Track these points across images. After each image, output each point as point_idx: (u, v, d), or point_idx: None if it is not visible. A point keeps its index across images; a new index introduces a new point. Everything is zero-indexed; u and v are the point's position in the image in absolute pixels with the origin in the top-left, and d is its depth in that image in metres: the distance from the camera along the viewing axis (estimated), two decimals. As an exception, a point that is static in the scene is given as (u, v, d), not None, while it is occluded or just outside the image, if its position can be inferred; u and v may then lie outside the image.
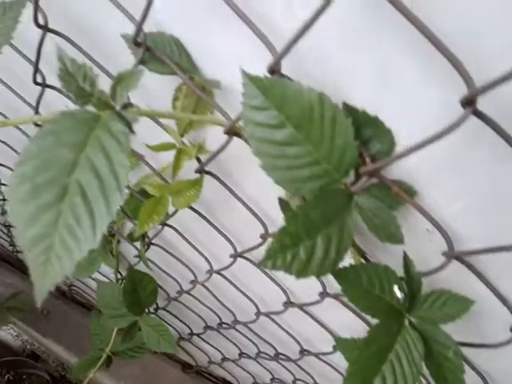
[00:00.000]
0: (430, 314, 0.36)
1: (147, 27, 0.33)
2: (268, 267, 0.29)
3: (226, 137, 0.36)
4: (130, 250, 0.75)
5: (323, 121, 0.29)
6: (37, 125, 0.50)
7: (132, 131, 0.27)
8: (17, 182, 0.25)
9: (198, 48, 0.36)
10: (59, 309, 1.29)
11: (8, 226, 0.96)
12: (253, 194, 0.46)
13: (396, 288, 0.35)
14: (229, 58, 0.35)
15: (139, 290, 0.75)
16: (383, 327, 0.34)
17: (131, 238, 0.63)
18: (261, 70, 0.29)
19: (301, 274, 0.30)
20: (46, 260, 0.25)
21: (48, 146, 0.26)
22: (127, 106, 0.28)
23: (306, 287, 0.52)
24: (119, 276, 0.83)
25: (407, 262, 0.35)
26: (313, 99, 0.28)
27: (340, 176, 0.30)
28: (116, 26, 0.39)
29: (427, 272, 0.36)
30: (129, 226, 0.69)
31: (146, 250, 0.65)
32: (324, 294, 0.47)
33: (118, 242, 0.77)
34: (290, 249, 0.29)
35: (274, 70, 0.29)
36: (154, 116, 0.34)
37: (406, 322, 0.36)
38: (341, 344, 0.47)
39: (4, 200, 0.83)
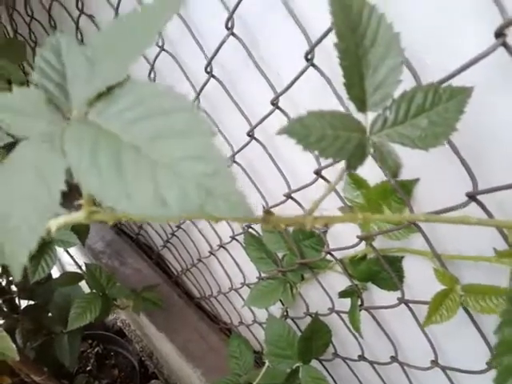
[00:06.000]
0: None
1: None
2: None
3: None
4: (310, 293, 0.74)
5: None
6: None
7: None
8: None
9: None
10: (179, 308, 1.33)
11: (173, 235, 1.00)
12: None
13: None
14: None
15: (314, 339, 0.74)
16: None
17: (343, 295, 0.62)
18: None
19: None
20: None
21: None
22: None
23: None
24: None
25: None
26: None
27: None
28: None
29: None
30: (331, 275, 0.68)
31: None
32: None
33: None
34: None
35: None
36: None
37: None
38: None
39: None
